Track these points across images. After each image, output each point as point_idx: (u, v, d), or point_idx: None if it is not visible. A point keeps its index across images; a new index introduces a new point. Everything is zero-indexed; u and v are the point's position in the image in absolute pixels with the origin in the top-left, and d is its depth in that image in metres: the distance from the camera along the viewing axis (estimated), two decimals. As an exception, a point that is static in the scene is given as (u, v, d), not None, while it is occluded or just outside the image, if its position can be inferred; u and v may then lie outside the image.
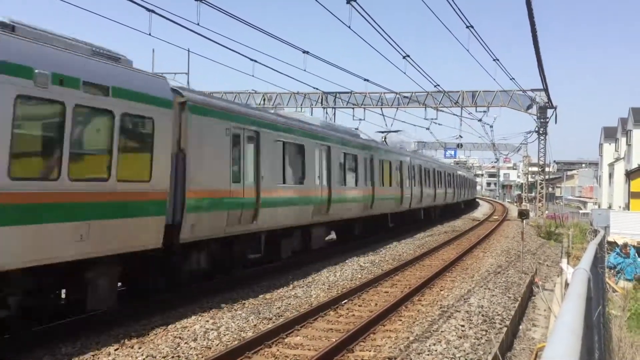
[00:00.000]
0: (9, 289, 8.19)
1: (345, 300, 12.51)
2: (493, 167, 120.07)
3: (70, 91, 8.67)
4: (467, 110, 39.20)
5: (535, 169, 48.79)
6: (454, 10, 15.40)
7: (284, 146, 15.56)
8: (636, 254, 20.14)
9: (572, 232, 30.19)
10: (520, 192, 79.69)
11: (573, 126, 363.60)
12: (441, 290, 14.01)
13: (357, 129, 39.05)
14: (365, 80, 27.20)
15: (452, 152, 71.25)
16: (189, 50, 20.32)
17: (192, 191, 11.41)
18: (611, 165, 56.16)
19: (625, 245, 20.48)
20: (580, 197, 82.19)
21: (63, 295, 9.73)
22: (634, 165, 44.38)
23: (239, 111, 13.68)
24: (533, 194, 53.64)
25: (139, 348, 8.70)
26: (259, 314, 10.91)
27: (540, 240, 30.01)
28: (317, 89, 28.59)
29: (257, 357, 8.69)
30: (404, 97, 39.15)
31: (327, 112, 42.09)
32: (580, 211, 58.63)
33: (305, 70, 22.25)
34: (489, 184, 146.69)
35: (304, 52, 20.15)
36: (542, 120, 38.98)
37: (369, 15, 14.69)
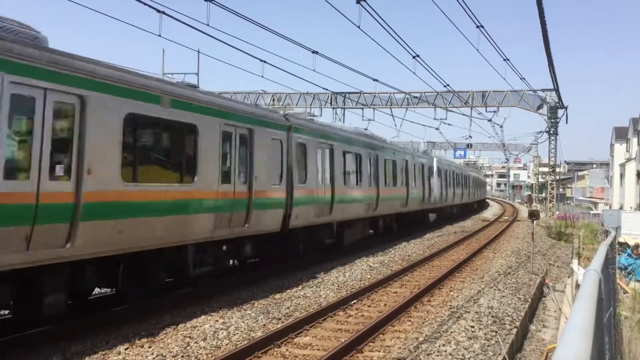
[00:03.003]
0: None
1: (355, 301, 12.51)
2: (503, 167, 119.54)
3: None
4: (477, 110, 39.00)
5: (545, 169, 48.56)
6: (464, 10, 15.34)
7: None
8: (647, 255, 20.01)
9: (582, 233, 30.01)
10: (530, 193, 79.34)
11: (584, 126, 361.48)
12: (451, 291, 13.97)
13: (366, 129, 39.03)
14: (374, 80, 27.13)
15: (462, 153, 71.01)
16: (198, 51, 20.30)
17: None
18: (622, 165, 55.73)
19: (637, 246, 20.36)
20: (591, 197, 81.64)
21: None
22: (646, 166, 44.03)
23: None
24: (543, 195, 53.39)
25: (149, 347, 8.74)
26: (268, 313, 10.92)
27: (550, 241, 29.87)
28: (326, 89, 28.53)
29: (267, 357, 8.70)
30: (414, 97, 39.03)
31: (336, 113, 42.08)
32: (591, 212, 58.24)
33: (314, 71, 22.25)
34: (499, 185, 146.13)
35: (313, 52, 20.13)
36: (552, 120, 38.74)
37: (378, 15, 14.67)
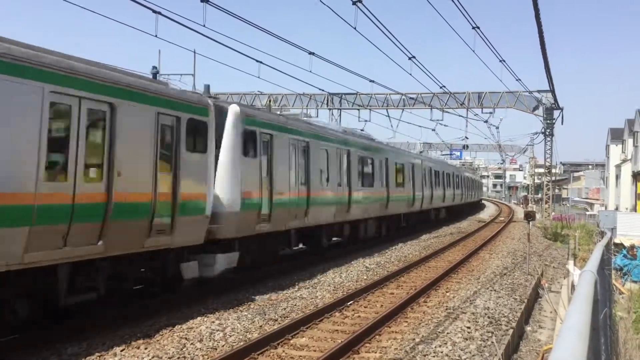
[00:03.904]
0: None
1: (351, 302, 12.51)
2: (499, 168, 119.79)
3: None
4: (473, 111, 39.05)
5: (541, 170, 48.65)
6: (460, 11, 15.39)
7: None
8: (643, 256, 20.06)
9: (578, 234, 30.09)
10: (526, 194, 79.55)
11: (580, 127, 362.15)
12: (447, 292, 13.99)
13: (362, 129, 38.99)
14: (371, 81, 27.17)
15: (458, 154, 71.17)
16: (194, 52, 20.37)
17: None
18: (618, 166, 55.88)
19: (632, 247, 20.43)
20: (586, 198, 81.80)
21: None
22: (641, 167, 44.14)
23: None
24: (539, 196, 53.51)
25: (145, 348, 8.73)
26: (265, 314, 10.92)
27: (546, 242, 29.92)
28: (322, 90, 28.55)
29: (263, 358, 8.70)
30: (410, 98, 39.06)
31: (332, 114, 42.09)
32: (587, 213, 58.35)
33: (310, 72, 22.30)
34: (494, 186, 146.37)
35: (310, 53, 20.16)
36: (548, 121, 38.79)
37: (374, 17, 14.71)
